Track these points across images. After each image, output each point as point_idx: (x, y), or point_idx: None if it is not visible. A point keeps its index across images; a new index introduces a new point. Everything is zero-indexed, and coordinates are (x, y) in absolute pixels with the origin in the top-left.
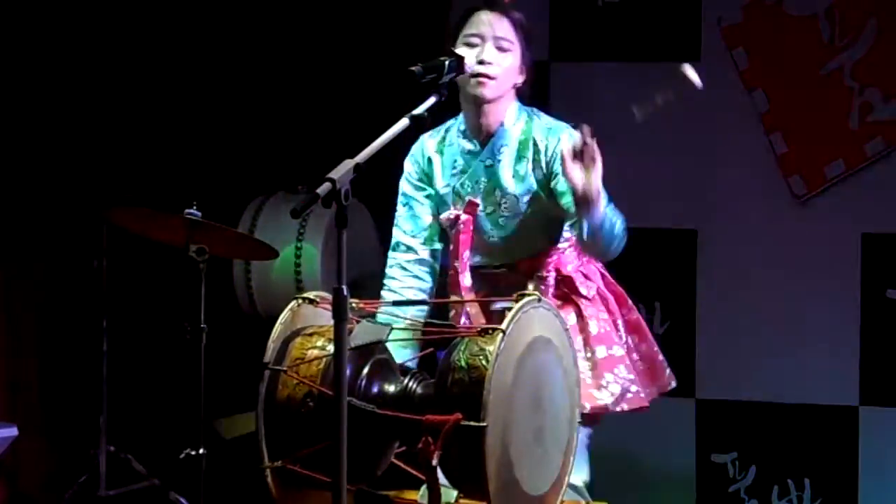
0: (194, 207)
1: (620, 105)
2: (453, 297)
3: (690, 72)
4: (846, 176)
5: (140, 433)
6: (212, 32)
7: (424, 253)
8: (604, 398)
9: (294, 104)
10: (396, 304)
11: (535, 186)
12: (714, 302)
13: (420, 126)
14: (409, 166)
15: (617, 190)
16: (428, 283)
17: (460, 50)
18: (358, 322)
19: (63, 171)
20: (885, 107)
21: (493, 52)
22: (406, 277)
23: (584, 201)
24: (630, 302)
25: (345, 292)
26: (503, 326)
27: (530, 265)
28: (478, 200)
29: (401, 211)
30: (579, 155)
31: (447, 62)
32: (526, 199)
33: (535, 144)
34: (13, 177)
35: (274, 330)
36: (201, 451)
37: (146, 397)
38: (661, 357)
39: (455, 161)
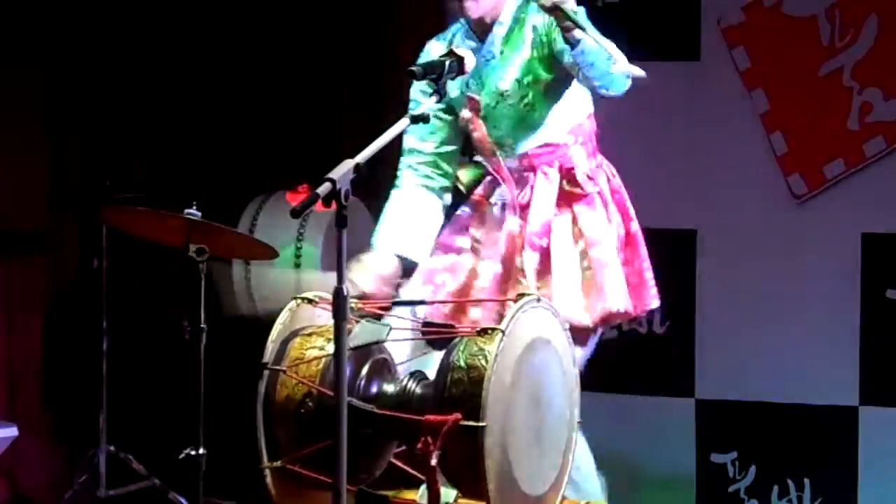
0: (194, 207)
1: (620, 105)
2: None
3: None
4: (846, 176)
5: (140, 433)
6: (212, 32)
7: (433, 153)
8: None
9: (294, 103)
10: (396, 304)
11: (538, 71)
12: (714, 301)
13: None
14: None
15: None
16: (436, 181)
17: None
18: (357, 322)
19: (63, 171)
20: (884, 107)
21: None
22: (415, 177)
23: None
24: (631, 213)
25: (345, 292)
26: (502, 326)
27: (536, 155)
28: (477, 97)
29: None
30: None
31: (447, 62)
32: (526, 85)
33: (533, 27)
34: (13, 176)
35: (273, 330)
36: (201, 451)
37: (146, 397)
38: (648, 275)
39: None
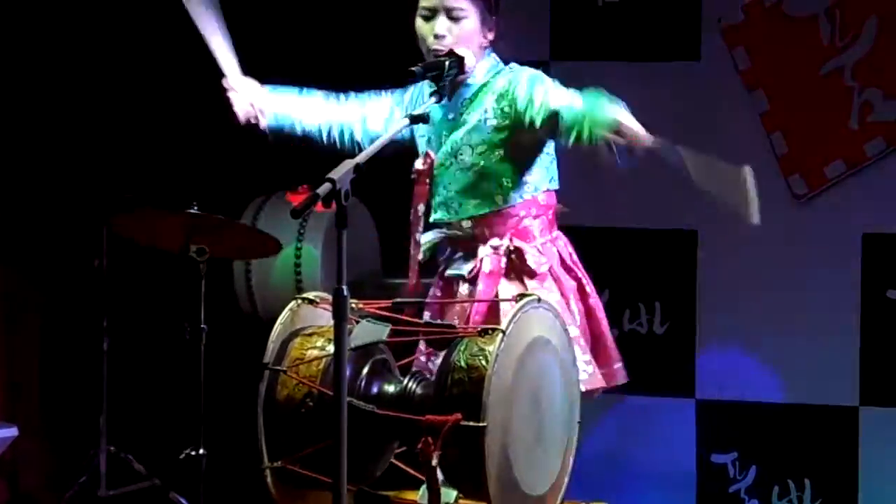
0: (194, 208)
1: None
2: (451, 299)
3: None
4: (846, 176)
5: (140, 433)
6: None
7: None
8: None
9: None
10: (396, 304)
11: (491, 137)
12: (714, 302)
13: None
14: (408, 94)
15: (616, 190)
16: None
17: (418, 23)
18: (357, 322)
19: (63, 172)
20: (885, 107)
21: (446, 24)
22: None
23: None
24: (589, 288)
25: (345, 292)
26: (503, 327)
27: (486, 222)
28: (433, 155)
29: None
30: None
31: (447, 62)
32: (479, 149)
33: (499, 94)
34: (13, 177)
35: (273, 330)
36: (201, 451)
37: (146, 397)
38: (613, 350)
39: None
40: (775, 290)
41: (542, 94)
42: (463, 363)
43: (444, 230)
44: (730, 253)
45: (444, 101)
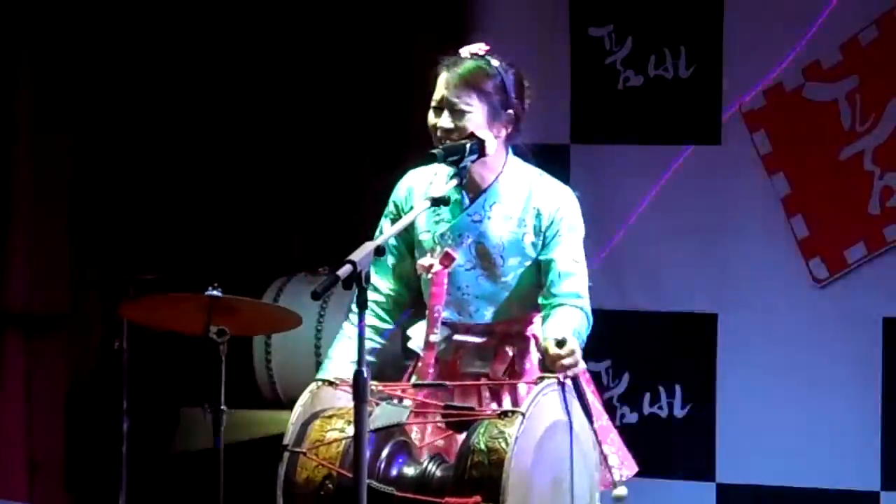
0: (215, 289)
1: (641, 188)
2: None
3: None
4: (867, 260)
5: None
6: (230, 115)
7: (389, 293)
8: (609, 474)
9: (316, 186)
10: (416, 386)
11: (527, 253)
12: (734, 385)
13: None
14: (391, 206)
15: (637, 273)
16: (384, 325)
17: (429, 116)
18: (377, 404)
19: (84, 253)
20: None
21: (448, 119)
22: (368, 317)
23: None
24: (588, 375)
25: (365, 374)
26: (523, 409)
27: (505, 329)
28: (455, 254)
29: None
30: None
31: (468, 145)
32: (511, 262)
33: (538, 211)
34: (36, 259)
35: (293, 412)
36: None
37: (166, 478)
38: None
39: (439, 209)
40: (796, 373)
41: (564, 248)
42: (482, 445)
43: (448, 329)
44: (750, 336)
45: (463, 201)
